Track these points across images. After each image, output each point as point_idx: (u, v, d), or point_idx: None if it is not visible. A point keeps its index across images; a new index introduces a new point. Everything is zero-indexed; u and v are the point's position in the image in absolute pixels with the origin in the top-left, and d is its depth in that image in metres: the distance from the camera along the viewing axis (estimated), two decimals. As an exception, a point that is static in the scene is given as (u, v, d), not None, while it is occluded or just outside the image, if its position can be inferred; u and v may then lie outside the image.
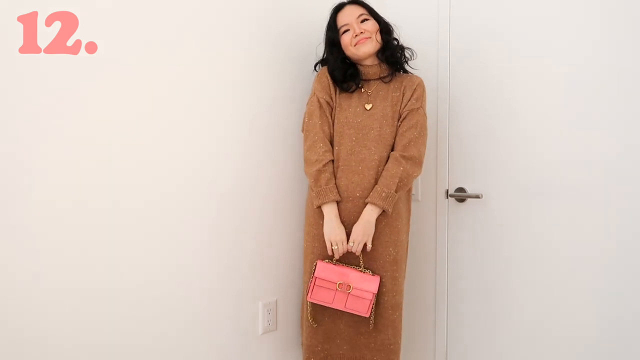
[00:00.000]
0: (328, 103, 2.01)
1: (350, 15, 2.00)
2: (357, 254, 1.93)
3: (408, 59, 2.08)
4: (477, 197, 2.22)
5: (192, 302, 1.88)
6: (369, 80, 2.05)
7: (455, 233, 2.30)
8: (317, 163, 1.95)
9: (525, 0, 2.11)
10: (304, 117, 2.05)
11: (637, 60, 1.88)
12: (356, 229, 1.92)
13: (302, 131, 2.04)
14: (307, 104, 2.05)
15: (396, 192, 1.92)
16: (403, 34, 2.10)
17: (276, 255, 2.14)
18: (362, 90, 2.03)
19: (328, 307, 1.99)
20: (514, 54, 2.14)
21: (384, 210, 1.93)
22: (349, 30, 2.00)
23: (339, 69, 2.01)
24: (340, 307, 1.93)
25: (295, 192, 2.19)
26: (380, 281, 1.95)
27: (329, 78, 2.03)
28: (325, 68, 2.06)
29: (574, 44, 2.00)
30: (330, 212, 1.94)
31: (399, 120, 2.00)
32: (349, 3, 2.05)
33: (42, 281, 1.53)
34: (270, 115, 2.10)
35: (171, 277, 1.82)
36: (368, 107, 2.00)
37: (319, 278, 1.92)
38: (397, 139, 1.98)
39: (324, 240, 1.97)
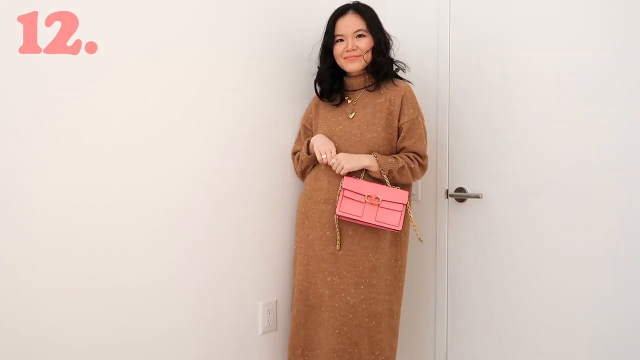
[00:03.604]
0: (307, 128, 2.14)
1: (348, 27, 1.97)
2: (329, 162, 1.94)
3: (398, 70, 2.05)
4: (477, 197, 2.22)
5: (192, 302, 1.88)
6: (354, 90, 2.05)
7: (455, 233, 2.30)
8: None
9: (525, 1, 2.11)
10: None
11: (637, 60, 1.88)
12: (344, 154, 1.93)
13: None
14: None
15: (398, 172, 1.93)
16: (402, 35, 2.10)
17: (276, 255, 2.14)
18: (348, 101, 2.04)
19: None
20: (514, 54, 2.14)
21: (374, 176, 1.94)
22: (343, 40, 1.98)
23: (326, 81, 2.03)
24: (371, 221, 1.89)
25: (294, 193, 2.19)
26: (359, 288, 1.92)
27: (313, 102, 2.12)
28: (315, 96, 2.13)
29: (574, 44, 2.00)
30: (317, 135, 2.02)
31: (398, 132, 1.99)
32: (351, 11, 1.99)
33: (43, 281, 1.53)
34: (271, 116, 2.10)
35: (171, 277, 1.82)
36: (351, 115, 2.01)
37: (347, 190, 1.90)
38: (408, 146, 1.98)
39: (310, 242, 1.98)
